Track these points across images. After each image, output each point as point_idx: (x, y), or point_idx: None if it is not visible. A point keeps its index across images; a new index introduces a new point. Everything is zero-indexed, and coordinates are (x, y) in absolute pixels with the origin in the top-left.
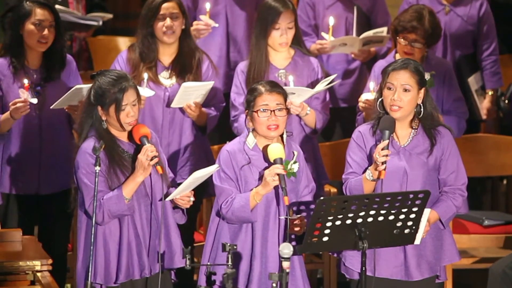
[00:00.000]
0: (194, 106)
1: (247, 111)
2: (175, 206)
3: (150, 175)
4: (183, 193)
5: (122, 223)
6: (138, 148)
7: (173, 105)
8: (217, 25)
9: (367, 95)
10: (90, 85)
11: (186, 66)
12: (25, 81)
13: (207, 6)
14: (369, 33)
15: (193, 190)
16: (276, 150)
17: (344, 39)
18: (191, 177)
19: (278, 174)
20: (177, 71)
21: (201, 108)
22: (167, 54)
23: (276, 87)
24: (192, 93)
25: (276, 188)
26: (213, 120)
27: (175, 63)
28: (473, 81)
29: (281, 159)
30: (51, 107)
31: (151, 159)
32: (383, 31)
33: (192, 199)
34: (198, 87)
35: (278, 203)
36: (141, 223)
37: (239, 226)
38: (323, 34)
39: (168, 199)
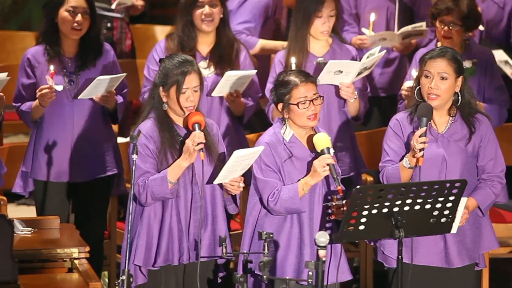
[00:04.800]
0: (235, 95)
1: (282, 104)
2: (228, 195)
3: (202, 164)
4: (230, 176)
5: (165, 207)
6: (190, 134)
7: (214, 93)
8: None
9: (410, 83)
10: (112, 76)
11: (224, 56)
12: (51, 68)
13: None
14: (408, 28)
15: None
16: (323, 140)
17: (383, 34)
18: (233, 157)
19: (328, 164)
20: (215, 61)
21: (241, 97)
22: (205, 44)
23: (309, 77)
24: (234, 82)
25: None
26: (250, 110)
27: (213, 53)
28: (498, 53)
29: (328, 148)
30: (78, 97)
31: (197, 145)
32: (422, 25)
33: (242, 184)
34: (241, 77)
35: (321, 189)
36: (185, 210)
37: (283, 217)
38: (363, 29)
39: (215, 182)
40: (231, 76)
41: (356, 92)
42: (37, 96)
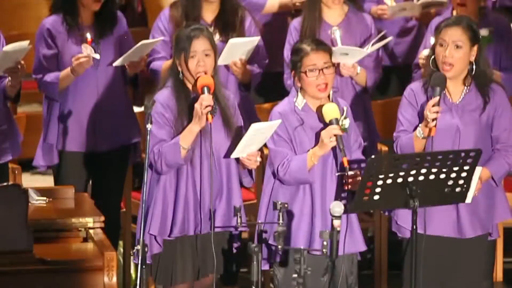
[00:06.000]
0: (240, 63)
1: (293, 71)
2: (244, 169)
3: (210, 127)
4: (248, 150)
5: (180, 177)
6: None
7: (219, 62)
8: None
9: (427, 52)
10: (156, 39)
11: (229, 24)
12: (88, 36)
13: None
14: None
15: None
16: (331, 111)
17: (403, 4)
18: (251, 130)
19: (335, 135)
20: (220, 28)
21: (246, 65)
22: (209, 11)
23: (321, 45)
24: (238, 50)
25: (332, 147)
26: (256, 77)
27: (217, 20)
28: None
29: (337, 119)
30: (114, 64)
31: (205, 108)
32: None
33: (259, 159)
34: (245, 43)
35: (334, 160)
36: (201, 181)
37: (296, 186)
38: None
39: (232, 156)
40: (234, 44)
41: (358, 68)
42: (73, 64)
